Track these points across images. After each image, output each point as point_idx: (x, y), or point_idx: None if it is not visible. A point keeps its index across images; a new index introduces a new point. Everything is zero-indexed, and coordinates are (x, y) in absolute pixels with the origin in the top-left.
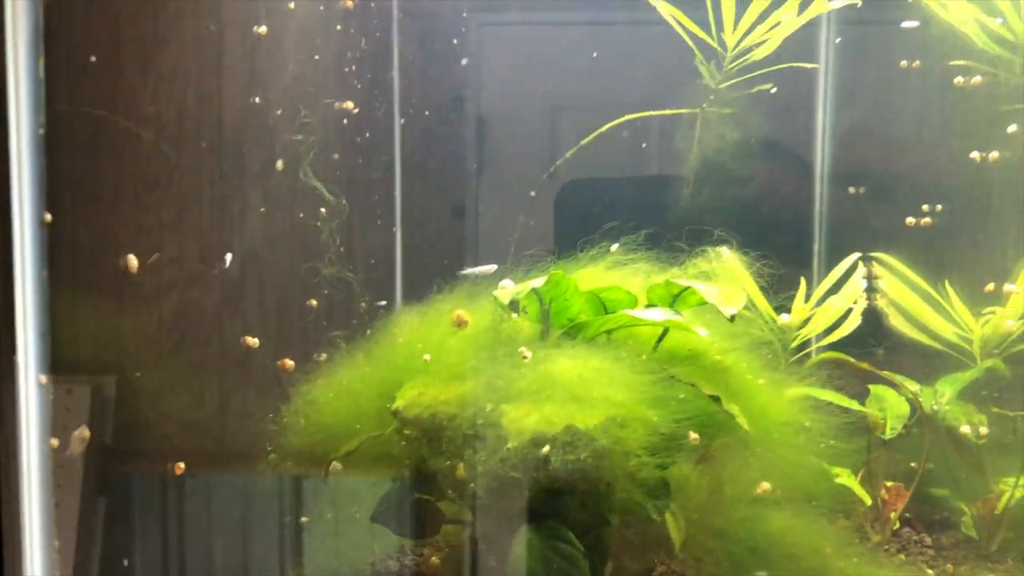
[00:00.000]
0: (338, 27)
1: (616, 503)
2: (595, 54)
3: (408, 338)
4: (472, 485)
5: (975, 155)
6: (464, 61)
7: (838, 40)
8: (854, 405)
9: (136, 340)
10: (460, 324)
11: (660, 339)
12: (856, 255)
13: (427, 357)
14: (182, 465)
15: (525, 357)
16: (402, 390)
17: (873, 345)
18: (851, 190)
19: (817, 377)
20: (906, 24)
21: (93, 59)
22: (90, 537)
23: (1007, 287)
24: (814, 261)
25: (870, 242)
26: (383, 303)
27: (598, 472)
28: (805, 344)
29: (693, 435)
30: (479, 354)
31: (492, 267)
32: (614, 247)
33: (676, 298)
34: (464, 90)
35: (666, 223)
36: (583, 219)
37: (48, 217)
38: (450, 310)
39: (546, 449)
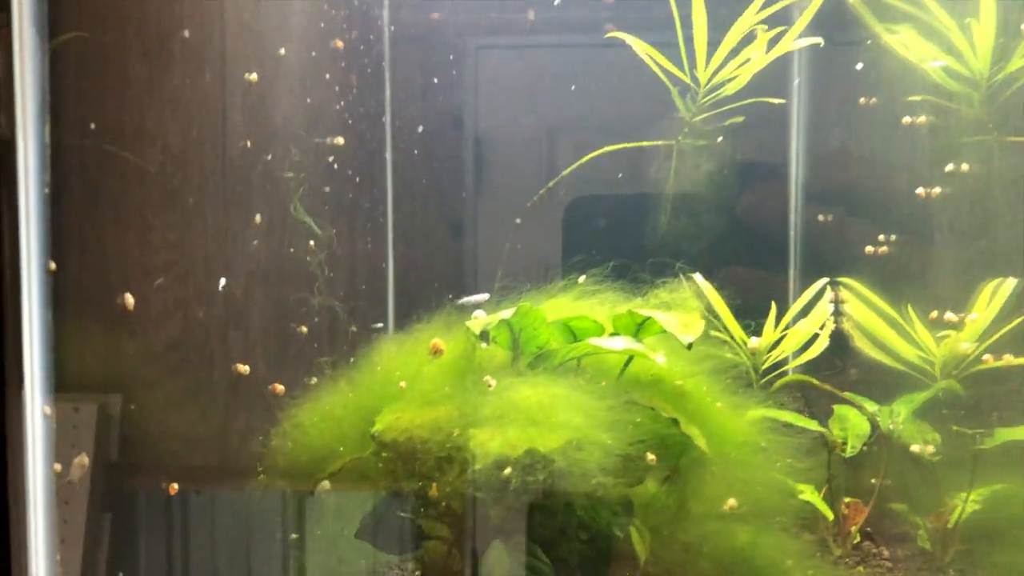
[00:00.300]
0: (330, 65)
1: (580, 520)
2: (573, 87)
3: (387, 365)
4: (444, 504)
5: (920, 191)
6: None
7: (796, 82)
8: (812, 425)
9: (140, 362)
10: (436, 352)
11: (626, 365)
12: (824, 280)
13: (403, 384)
14: (175, 486)
15: (490, 385)
16: (381, 415)
17: (839, 367)
18: (820, 217)
19: (784, 397)
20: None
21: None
22: (96, 552)
23: (947, 315)
24: (789, 285)
25: (844, 266)
26: (379, 325)
27: (556, 492)
28: (776, 365)
29: (650, 456)
30: (452, 381)
31: (485, 296)
32: (581, 279)
33: (640, 326)
34: (460, 115)
35: (656, 243)
36: (590, 236)
37: (52, 265)
38: (428, 339)
39: (508, 471)
